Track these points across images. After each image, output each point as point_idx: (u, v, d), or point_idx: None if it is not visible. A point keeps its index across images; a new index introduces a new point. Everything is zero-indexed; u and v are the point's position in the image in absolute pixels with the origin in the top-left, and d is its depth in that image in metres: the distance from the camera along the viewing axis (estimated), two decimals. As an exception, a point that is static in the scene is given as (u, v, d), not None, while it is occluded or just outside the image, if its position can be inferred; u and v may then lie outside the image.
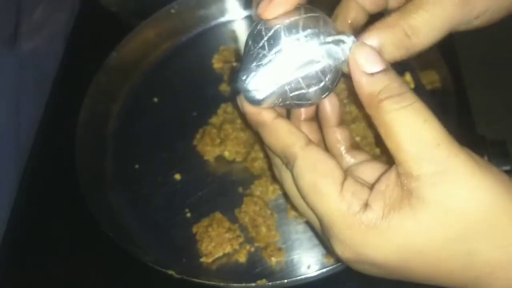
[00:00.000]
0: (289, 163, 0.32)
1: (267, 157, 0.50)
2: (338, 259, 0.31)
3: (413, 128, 0.27)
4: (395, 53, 0.32)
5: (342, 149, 0.37)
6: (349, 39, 0.30)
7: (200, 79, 0.64)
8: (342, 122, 0.37)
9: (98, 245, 0.51)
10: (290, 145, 0.32)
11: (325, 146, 0.37)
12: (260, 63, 0.31)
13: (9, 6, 0.60)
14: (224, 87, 0.62)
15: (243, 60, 0.33)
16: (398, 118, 0.28)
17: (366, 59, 0.29)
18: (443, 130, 0.28)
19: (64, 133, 0.58)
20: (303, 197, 0.31)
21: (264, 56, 0.31)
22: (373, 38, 0.31)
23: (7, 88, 0.59)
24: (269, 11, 0.31)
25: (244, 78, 0.32)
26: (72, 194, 0.52)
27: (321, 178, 0.30)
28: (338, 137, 0.37)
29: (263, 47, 0.32)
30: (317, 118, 0.37)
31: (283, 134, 0.32)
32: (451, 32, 0.33)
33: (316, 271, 0.46)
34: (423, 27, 0.31)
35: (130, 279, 0.51)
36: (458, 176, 0.27)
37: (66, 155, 0.55)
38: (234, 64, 0.63)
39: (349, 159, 0.36)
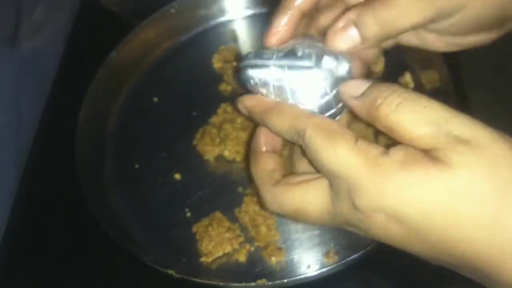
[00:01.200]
0: (300, 137, 0.31)
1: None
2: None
3: (416, 117, 0.27)
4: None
5: None
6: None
7: (200, 79, 0.64)
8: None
9: (98, 245, 0.51)
10: (297, 117, 0.32)
11: None
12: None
13: (9, 6, 0.61)
14: (224, 87, 0.62)
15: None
16: (399, 117, 0.28)
17: (351, 87, 0.31)
18: (447, 110, 0.27)
19: (64, 133, 0.58)
20: (319, 163, 0.30)
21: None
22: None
23: (7, 88, 0.59)
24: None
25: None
26: (72, 194, 0.52)
27: (334, 136, 0.29)
28: None
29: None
30: None
31: (289, 111, 0.33)
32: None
33: (316, 270, 0.46)
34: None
35: (130, 279, 0.51)
36: (483, 144, 0.26)
37: (66, 155, 0.55)
38: (234, 64, 0.63)
39: None
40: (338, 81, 0.32)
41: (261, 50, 0.35)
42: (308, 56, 0.32)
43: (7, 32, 0.60)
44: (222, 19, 0.69)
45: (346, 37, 0.33)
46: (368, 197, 0.28)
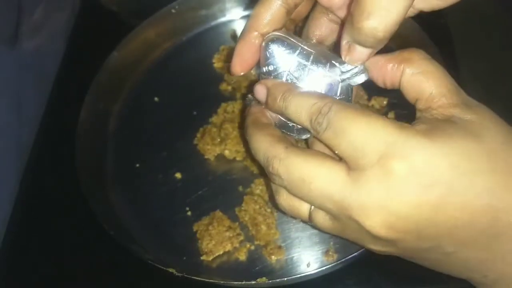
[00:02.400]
0: (322, 115, 0.31)
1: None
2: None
3: (443, 74, 0.33)
4: None
5: None
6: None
7: (201, 79, 0.64)
8: None
9: (98, 245, 0.51)
10: (323, 96, 0.33)
11: None
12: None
13: (10, 6, 0.61)
14: (224, 87, 0.62)
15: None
16: (434, 67, 0.33)
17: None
18: None
19: (64, 133, 0.58)
20: (346, 139, 0.30)
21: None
22: None
23: (7, 88, 0.59)
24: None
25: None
26: (72, 194, 0.52)
27: (364, 111, 0.31)
28: None
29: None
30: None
31: (314, 92, 0.34)
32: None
33: (315, 269, 0.46)
34: None
35: (130, 278, 0.51)
36: (485, 109, 0.32)
37: (66, 155, 0.55)
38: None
39: None
40: (348, 88, 0.34)
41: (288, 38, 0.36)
42: (330, 66, 0.34)
43: (8, 32, 0.60)
44: (222, 19, 0.69)
45: (358, 54, 0.33)
46: (408, 155, 0.29)
